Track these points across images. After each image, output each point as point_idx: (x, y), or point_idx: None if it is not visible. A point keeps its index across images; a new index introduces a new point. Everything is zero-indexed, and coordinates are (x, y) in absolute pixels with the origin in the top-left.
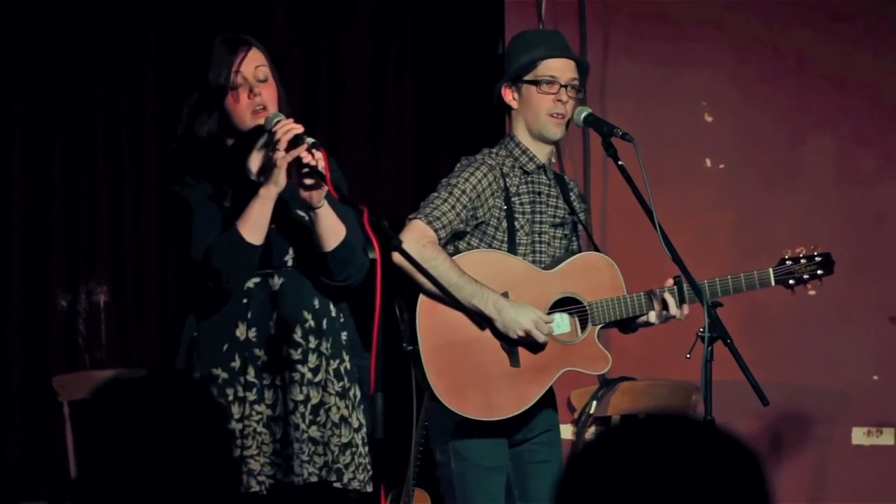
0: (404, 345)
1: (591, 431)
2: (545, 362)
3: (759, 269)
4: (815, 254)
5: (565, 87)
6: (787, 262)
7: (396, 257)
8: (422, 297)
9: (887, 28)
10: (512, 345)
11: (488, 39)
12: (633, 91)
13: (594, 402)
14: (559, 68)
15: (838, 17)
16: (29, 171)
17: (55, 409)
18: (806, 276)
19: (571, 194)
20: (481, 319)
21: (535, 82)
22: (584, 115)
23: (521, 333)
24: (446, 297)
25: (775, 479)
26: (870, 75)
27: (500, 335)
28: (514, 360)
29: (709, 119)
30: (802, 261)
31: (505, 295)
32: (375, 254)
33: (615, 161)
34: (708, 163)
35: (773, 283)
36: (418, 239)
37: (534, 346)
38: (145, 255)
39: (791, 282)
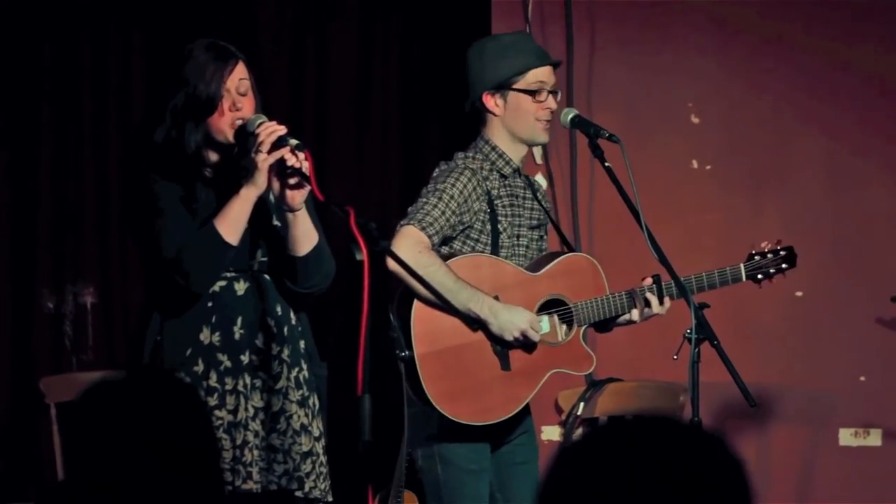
0: (397, 352)
1: (578, 433)
2: (534, 364)
3: (731, 266)
4: (779, 248)
5: (552, 92)
6: (756, 258)
7: (391, 264)
8: (417, 304)
9: (875, 28)
10: (503, 348)
11: (475, 40)
12: (620, 92)
13: (581, 404)
14: (547, 75)
15: (827, 16)
16: (15, 171)
17: (42, 411)
18: (772, 271)
19: (538, 194)
20: (473, 324)
21: (529, 92)
22: (570, 116)
23: (517, 334)
24: (441, 302)
25: (763, 480)
26: (859, 76)
27: (491, 339)
28: (505, 364)
29: (695, 120)
30: (769, 255)
31: (496, 299)
32: (363, 255)
33: (602, 162)
34: (695, 164)
35: (744, 278)
36: (413, 245)
37: (524, 348)
38: (132, 256)
39: (759, 276)
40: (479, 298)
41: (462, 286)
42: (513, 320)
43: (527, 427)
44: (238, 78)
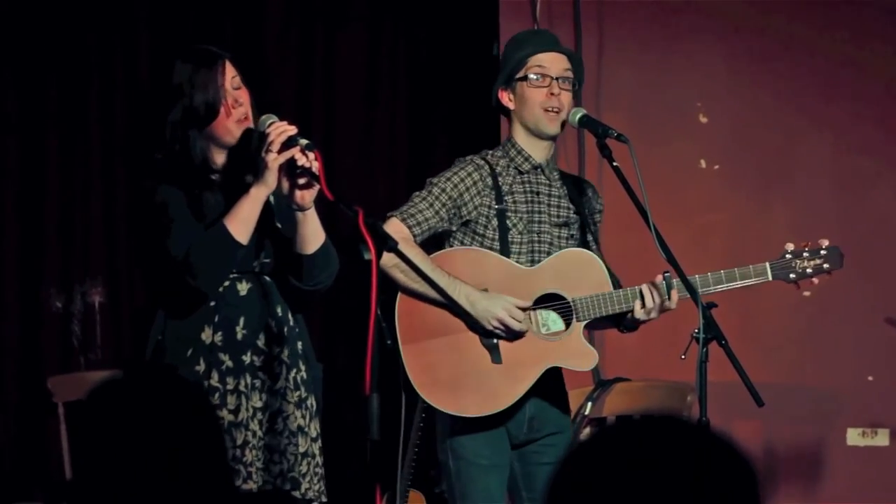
0: (388, 342)
1: (586, 432)
2: (527, 359)
3: (756, 264)
4: (822, 247)
5: (557, 79)
6: (787, 256)
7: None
8: (399, 296)
9: (884, 28)
10: (491, 340)
11: (483, 40)
12: (628, 92)
13: (589, 404)
14: (549, 61)
15: (836, 16)
16: (23, 171)
17: (50, 410)
18: (810, 271)
19: (585, 194)
20: (459, 316)
21: (526, 77)
22: (578, 116)
23: (495, 323)
24: (422, 293)
25: (771, 480)
26: (866, 75)
27: (478, 331)
28: (496, 357)
29: (703, 120)
30: (805, 254)
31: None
32: (371, 255)
33: (610, 162)
34: (703, 164)
35: (770, 276)
36: (391, 236)
37: (515, 341)
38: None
39: (792, 276)
40: (456, 287)
41: (439, 275)
42: (489, 308)
43: (560, 428)
44: (230, 76)
